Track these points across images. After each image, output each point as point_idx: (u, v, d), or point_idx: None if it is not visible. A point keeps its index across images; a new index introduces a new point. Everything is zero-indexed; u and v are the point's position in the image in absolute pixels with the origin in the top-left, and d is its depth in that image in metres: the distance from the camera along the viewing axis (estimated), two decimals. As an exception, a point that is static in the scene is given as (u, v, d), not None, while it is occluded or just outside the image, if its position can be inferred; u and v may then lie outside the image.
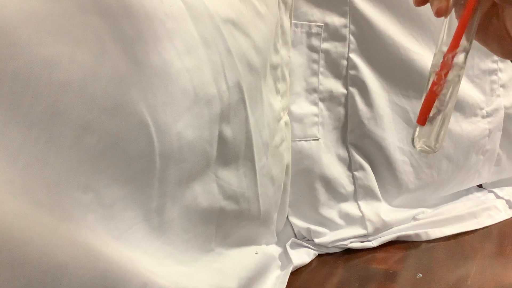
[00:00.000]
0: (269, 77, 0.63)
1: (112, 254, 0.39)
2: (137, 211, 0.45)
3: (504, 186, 0.97)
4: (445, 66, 0.38)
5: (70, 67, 0.37)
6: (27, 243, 0.32)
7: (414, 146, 0.40)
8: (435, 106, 0.39)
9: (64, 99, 0.37)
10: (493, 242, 0.76)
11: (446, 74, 0.38)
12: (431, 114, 0.39)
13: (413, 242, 0.76)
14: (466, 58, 0.39)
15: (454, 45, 0.38)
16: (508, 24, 0.40)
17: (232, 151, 0.55)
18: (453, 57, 0.38)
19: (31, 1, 0.35)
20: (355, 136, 0.77)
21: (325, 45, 0.73)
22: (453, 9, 0.39)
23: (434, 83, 0.38)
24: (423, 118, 0.39)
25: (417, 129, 0.40)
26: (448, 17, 0.39)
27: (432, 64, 0.40)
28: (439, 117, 0.39)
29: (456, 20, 0.39)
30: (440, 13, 0.38)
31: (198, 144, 0.49)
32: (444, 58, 0.38)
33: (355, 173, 0.76)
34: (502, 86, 0.90)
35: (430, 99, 0.39)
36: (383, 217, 0.75)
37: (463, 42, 0.38)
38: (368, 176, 0.77)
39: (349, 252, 0.72)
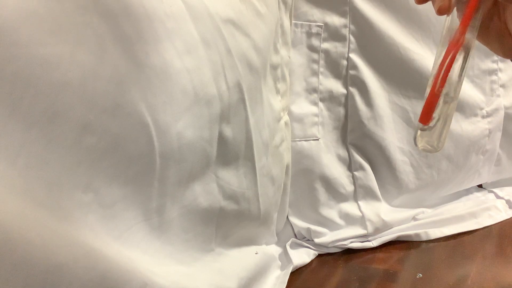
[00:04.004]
0: (269, 77, 0.63)
1: (112, 254, 0.39)
2: (137, 211, 0.45)
3: (504, 186, 0.97)
4: (448, 64, 0.38)
5: (70, 67, 0.37)
6: (27, 243, 0.32)
7: (416, 145, 0.40)
8: (437, 105, 0.38)
9: (64, 99, 0.37)
10: (493, 242, 0.76)
11: (447, 73, 0.38)
12: (433, 113, 0.38)
13: (413, 242, 0.76)
14: (468, 56, 0.39)
15: (456, 44, 0.38)
16: (509, 23, 0.39)
17: (232, 151, 0.55)
18: (454, 56, 0.38)
19: (31, 1, 0.35)
20: (355, 136, 0.77)
21: (325, 45, 0.73)
22: (455, 8, 0.39)
23: (436, 82, 0.38)
24: (426, 117, 0.39)
25: (419, 129, 0.39)
26: (450, 15, 0.39)
27: (434, 63, 0.39)
28: (442, 116, 0.39)
29: (458, 18, 0.39)
30: (442, 11, 0.38)
31: (198, 144, 0.49)
32: (445, 56, 0.38)
33: (355, 173, 0.76)
34: (502, 86, 0.90)
35: (433, 97, 0.38)
36: (383, 217, 0.75)
37: (465, 40, 0.38)
38: (368, 176, 0.77)
39: (349, 252, 0.72)
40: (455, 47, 0.38)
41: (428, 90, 0.39)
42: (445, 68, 0.38)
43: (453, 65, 0.38)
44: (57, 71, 0.36)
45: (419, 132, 0.39)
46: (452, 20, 0.39)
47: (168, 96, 0.45)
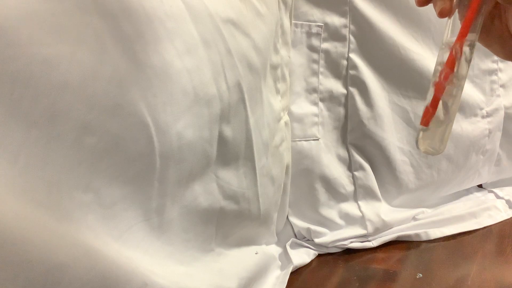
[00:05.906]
0: (269, 77, 0.63)
1: (112, 254, 0.39)
2: (137, 211, 0.45)
3: (504, 186, 0.97)
4: (449, 67, 0.38)
5: (70, 67, 0.37)
6: (27, 243, 0.32)
7: (418, 148, 0.40)
8: (438, 108, 0.38)
9: (64, 99, 0.37)
10: (493, 242, 0.76)
11: (449, 75, 0.38)
12: (434, 116, 0.38)
13: (413, 242, 0.76)
14: (470, 59, 0.39)
15: (458, 47, 0.38)
16: (510, 25, 0.39)
17: (232, 151, 0.55)
18: (456, 59, 0.38)
19: (31, 1, 0.35)
20: (355, 136, 0.77)
21: (325, 45, 0.73)
22: (457, 10, 0.39)
23: (437, 85, 0.38)
24: (427, 120, 0.39)
25: (421, 131, 0.39)
26: (452, 17, 0.39)
27: (435, 66, 0.39)
28: (444, 119, 0.39)
29: (460, 21, 0.39)
30: (444, 13, 0.38)
31: (198, 144, 0.49)
32: (447, 60, 0.38)
33: (355, 173, 0.76)
34: (502, 86, 0.90)
35: (434, 101, 0.38)
36: (383, 217, 0.75)
37: (467, 42, 0.38)
38: (368, 176, 0.77)
39: (349, 252, 0.72)
40: (457, 49, 0.38)
41: (429, 92, 0.39)
42: (447, 70, 0.38)
43: (455, 67, 0.38)
44: (57, 71, 0.36)
45: (421, 134, 0.39)
46: (454, 22, 0.39)
47: (168, 96, 0.45)
